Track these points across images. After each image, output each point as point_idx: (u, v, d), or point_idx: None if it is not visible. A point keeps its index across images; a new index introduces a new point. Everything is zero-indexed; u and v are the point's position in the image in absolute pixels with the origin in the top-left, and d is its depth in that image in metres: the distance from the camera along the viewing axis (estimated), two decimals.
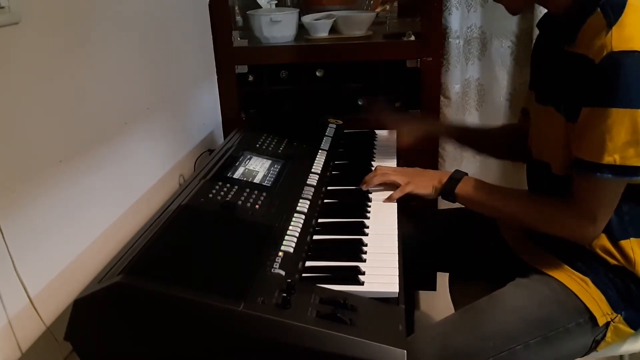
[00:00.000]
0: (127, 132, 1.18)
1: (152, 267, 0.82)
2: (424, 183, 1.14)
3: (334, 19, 1.76)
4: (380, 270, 0.91)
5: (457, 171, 1.13)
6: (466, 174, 1.12)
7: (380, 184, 1.18)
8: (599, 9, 0.89)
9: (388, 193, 1.15)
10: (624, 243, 0.98)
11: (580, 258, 1.01)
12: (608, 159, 0.87)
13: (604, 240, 0.98)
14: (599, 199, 0.93)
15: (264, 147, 1.30)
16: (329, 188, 1.22)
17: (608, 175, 0.88)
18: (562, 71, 0.98)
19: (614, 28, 0.85)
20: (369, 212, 1.10)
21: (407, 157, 1.37)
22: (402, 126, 1.41)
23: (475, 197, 1.08)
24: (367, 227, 1.04)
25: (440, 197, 1.14)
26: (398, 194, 1.13)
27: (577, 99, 0.90)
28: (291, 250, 0.94)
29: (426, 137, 1.39)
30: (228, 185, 1.08)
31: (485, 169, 2.00)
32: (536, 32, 1.71)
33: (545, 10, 1.06)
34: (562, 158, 0.98)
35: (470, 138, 1.38)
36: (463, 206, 1.14)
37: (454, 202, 1.12)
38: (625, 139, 0.85)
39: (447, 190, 1.11)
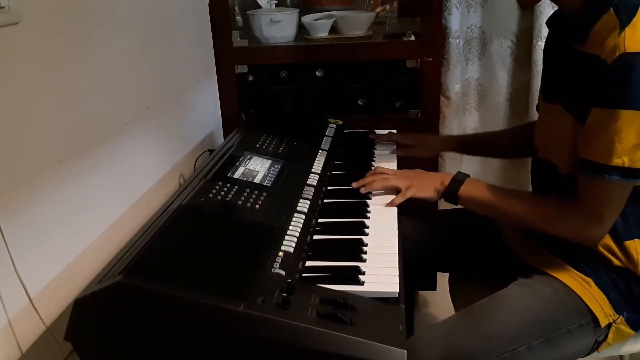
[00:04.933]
0: (127, 132, 1.18)
1: (152, 267, 0.82)
2: (425, 186, 1.13)
3: (334, 19, 1.76)
4: (380, 270, 0.91)
5: (459, 173, 1.12)
6: (468, 176, 1.11)
7: (380, 189, 1.16)
8: (611, 9, 0.88)
9: (388, 197, 1.14)
10: (628, 244, 0.97)
11: (583, 259, 1.01)
12: (617, 161, 0.86)
13: (608, 241, 0.98)
14: (605, 201, 0.92)
15: (264, 147, 1.30)
16: (329, 188, 1.22)
17: (616, 177, 0.87)
18: (572, 70, 0.97)
19: (627, 29, 0.84)
20: (369, 212, 1.10)
21: (406, 160, 1.38)
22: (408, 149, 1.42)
23: (479, 200, 1.07)
24: (367, 227, 1.04)
25: (444, 201, 1.13)
26: (400, 199, 1.12)
27: (587, 100, 0.89)
28: (291, 250, 0.94)
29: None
30: (228, 185, 1.07)
31: (485, 169, 1.99)
32: (536, 32, 1.73)
33: (551, 10, 1.05)
34: (569, 158, 0.97)
35: (480, 145, 1.40)
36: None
37: (456, 204, 1.11)
38: (635, 142, 0.85)
39: (450, 192, 1.10)
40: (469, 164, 1.97)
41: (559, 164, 1.01)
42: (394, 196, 1.13)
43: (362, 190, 1.16)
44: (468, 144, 1.41)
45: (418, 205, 1.15)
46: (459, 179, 1.10)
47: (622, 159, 0.86)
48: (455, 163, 1.96)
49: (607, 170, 0.87)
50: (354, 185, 1.18)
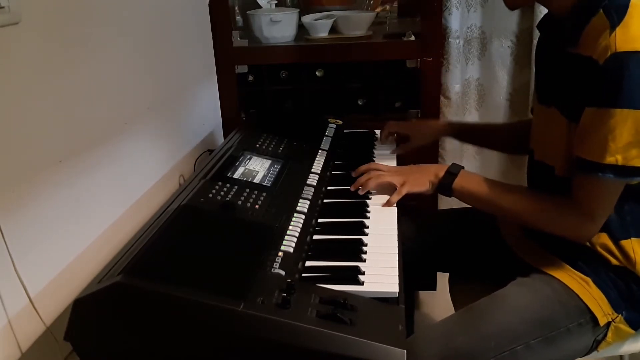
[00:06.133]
0: (127, 132, 1.18)
1: (152, 267, 0.82)
2: (420, 180, 1.12)
3: (334, 19, 1.76)
4: (380, 270, 0.91)
5: (454, 165, 1.11)
6: (463, 168, 1.10)
7: (375, 187, 1.16)
8: (601, 10, 0.89)
9: (385, 196, 1.13)
10: (624, 243, 0.98)
11: (582, 258, 1.01)
12: (610, 159, 0.87)
13: (606, 240, 0.98)
14: (598, 199, 0.93)
15: (264, 147, 1.30)
16: (329, 188, 1.22)
17: (609, 175, 0.88)
18: (565, 73, 0.97)
19: (617, 29, 0.85)
20: (369, 212, 1.10)
21: (407, 158, 1.38)
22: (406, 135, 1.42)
23: (473, 192, 1.07)
24: (367, 227, 1.04)
25: (438, 193, 1.13)
26: (396, 197, 1.11)
27: (581, 100, 0.90)
28: (291, 250, 0.94)
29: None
30: (228, 185, 1.07)
31: (485, 167, 1.99)
32: (536, 32, 1.73)
33: (545, 12, 1.06)
34: (566, 160, 0.97)
35: (478, 135, 1.40)
36: (463, 205, 1.13)
37: (450, 196, 1.10)
38: (628, 140, 0.85)
39: (444, 184, 1.09)
40: (469, 162, 1.97)
41: (555, 166, 1.02)
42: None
43: (360, 192, 1.16)
44: (466, 132, 1.40)
45: (418, 205, 1.15)
46: (454, 171, 1.10)
47: (615, 157, 0.87)
48: (455, 161, 1.94)
49: (601, 168, 0.88)
50: (352, 188, 1.17)
